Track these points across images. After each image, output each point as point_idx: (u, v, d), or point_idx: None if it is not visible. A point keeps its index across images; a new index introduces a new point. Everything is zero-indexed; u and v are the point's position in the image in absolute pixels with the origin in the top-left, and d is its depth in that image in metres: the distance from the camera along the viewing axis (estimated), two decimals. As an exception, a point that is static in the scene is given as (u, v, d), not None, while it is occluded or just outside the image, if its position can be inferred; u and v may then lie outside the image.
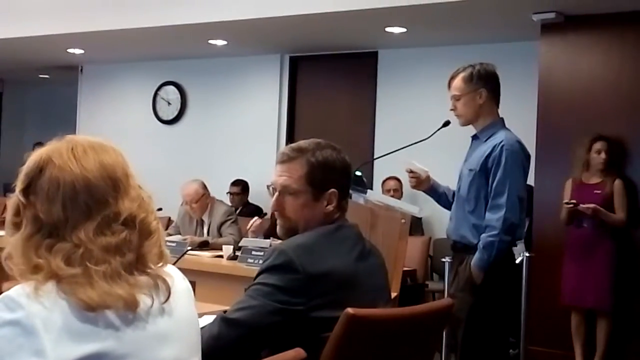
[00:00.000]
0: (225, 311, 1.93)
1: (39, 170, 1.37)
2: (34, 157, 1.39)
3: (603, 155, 5.00)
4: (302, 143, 2.09)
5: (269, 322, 1.84)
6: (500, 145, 3.28)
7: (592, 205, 4.86)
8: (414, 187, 3.59)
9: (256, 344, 1.87)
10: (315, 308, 1.86)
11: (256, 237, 4.77)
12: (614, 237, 4.99)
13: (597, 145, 5.01)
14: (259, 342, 1.87)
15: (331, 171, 2.04)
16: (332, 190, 2.03)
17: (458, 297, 3.25)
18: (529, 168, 3.44)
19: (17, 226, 1.37)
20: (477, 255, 3.27)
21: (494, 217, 3.25)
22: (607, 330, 4.99)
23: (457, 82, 3.41)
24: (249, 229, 4.80)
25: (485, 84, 3.39)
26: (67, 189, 1.35)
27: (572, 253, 5.07)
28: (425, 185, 3.55)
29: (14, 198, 1.39)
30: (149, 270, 1.38)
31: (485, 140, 3.38)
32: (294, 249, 1.90)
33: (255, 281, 1.91)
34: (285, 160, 2.07)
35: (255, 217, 5.01)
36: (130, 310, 1.32)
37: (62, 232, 1.33)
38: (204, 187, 5.62)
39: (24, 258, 1.32)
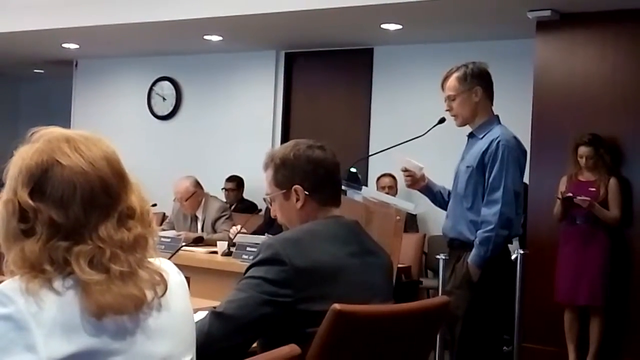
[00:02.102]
0: (215, 307, 1.94)
1: (44, 171, 1.31)
2: (33, 157, 1.33)
3: (584, 161, 5.02)
4: (277, 148, 2.18)
5: (257, 314, 1.85)
6: (497, 141, 3.28)
7: (588, 198, 4.88)
8: (409, 186, 3.58)
9: (245, 337, 1.88)
10: (302, 300, 1.87)
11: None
12: (608, 235, 5.01)
13: (580, 151, 5.03)
14: (249, 335, 1.88)
15: (291, 168, 2.09)
16: (295, 186, 2.07)
17: (455, 294, 3.25)
18: (525, 164, 3.44)
19: (27, 233, 1.30)
20: (473, 251, 3.27)
21: (490, 212, 3.25)
22: (600, 327, 5.01)
23: (452, 82, 3.39)
24: (233, 238, 4.81)
25: (480, 81, 3.39)
26: (85, 190, 1.31)
27: (566, 250, 5.09)
28: (421, 184, 3.55)
29: (11, 203, 1.31)
30: (148, 265, 1.37)
31: (482, 137, 3.38)
32: (281, 243, 1.93)
33: (245, 275, 1.93)
34: (264, 170, 2.16)
35: (239, 226, 5.06)
36: (138, 307, 1.31)
37: (82, 233, 1.30)
38: (196, 184, 5.60)
39: (38, 262, 1.28)
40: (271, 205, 2.18)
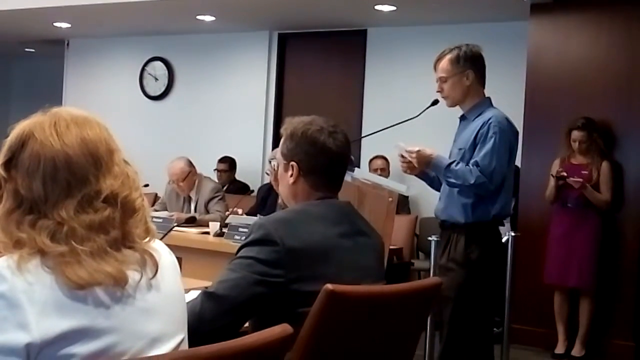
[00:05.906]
0: (207, 287, 1.95)
1: (21, 144, 1.36)
2: (17, 130, 1.38)
3: (577, 145, 5.05)
4: (297, 118, 2.15)
5: (249, 294, 1.86)
6: (489, 123, 3.27)
7: (580, 179, 4.91)
8: (405, 171, 3.55)
9: (237, 317, 1.88)
10: (294, 280, 1.88)
11: None
12: (599, 218, 5.03)
13: (573, 135, 5.06)
14: (240, 315, 1.89)
15: (295, 144, 2.09)
16: (292, 162, 2.08)
17: (447, 276, 3.25)
18: (517, 146, 3.43)
19: None
20: (444, 162, 3.28)
21: (479, 174, 3.21)
22: (589, 309, 5.05)
23: (444, 63, 3.38)
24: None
25: (472, 65, 3.38)
26: (48, 165, 1.33)
27: (556, 233, 5.12)
28: (418, 169, 3.52)
29: None
30: (135, 245, 1.38)
31: (474, 120, 3.38)
32: (273, 223, 1.94)
33: (236, 256, 1.94)
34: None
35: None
36: (119, 286, 1.32)
37: (43, 209, 1.32)
38: (190, 164, 5.60)
39: (4, 232, 1.32)
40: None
